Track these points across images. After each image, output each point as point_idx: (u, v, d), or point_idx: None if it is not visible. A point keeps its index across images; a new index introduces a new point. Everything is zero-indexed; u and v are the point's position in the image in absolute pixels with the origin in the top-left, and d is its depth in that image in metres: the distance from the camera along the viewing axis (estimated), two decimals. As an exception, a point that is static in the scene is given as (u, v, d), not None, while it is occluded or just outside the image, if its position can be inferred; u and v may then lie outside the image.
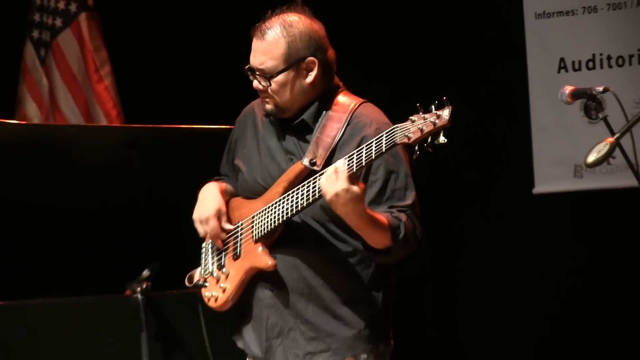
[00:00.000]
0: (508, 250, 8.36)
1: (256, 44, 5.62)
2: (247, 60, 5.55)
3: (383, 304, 5.67)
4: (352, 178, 5.12)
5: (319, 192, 5.29)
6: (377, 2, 8.51)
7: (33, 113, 9.27)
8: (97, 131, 8.72)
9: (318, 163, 5.45)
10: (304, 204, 5.39)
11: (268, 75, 5.56)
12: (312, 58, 5.56)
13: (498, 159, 8.32)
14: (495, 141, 8.28)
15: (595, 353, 8.09)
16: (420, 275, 6.27)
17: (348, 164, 5.15)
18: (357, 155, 5.15)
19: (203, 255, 5.90)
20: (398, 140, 5.07)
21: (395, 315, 5.68)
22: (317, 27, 5.65)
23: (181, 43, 8.98)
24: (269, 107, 5.63)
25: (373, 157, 5.14)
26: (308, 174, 5.46)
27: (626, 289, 7.70)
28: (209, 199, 5.78)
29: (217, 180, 5.94)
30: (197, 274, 5.91)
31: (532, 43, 8.36)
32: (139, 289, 7.14)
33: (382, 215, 5.33)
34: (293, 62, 5.55)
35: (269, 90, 5.58)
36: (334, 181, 5.10)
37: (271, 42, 5.58)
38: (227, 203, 5.83)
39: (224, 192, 5.80)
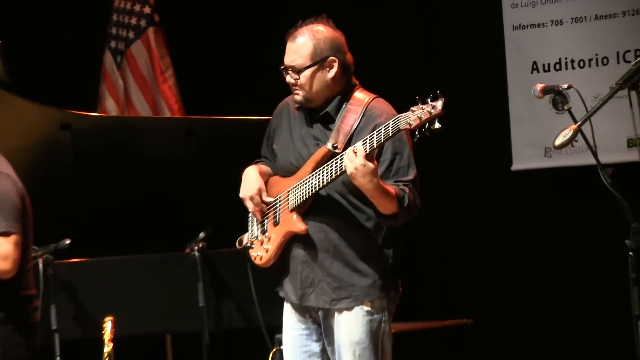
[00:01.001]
0: (491, 214, 8.37)
1: (289, 46, 5.71)
2: (282, 63, 5.61)
3: (393, 260, 5.74)
4: (368, 157, 5.24)
5: (341, 169, 5.41)
6: (377, 17, 8.47)
7: (111, 107, 9.29)
8: (162, 121, 8.79)
9: (339, 147, 5.54)
10: (329, 180, 5.49)
11: (297, 70, 5.68)
12: (333, 57, 5.64)
13: (484, 142, 8.32)
14: (481, 128, 8.27)
15: (560, 307, 8.08)
16: (419, 238, 6.30)
17: (364, 146, 5.29)
18: (369, 139, 5.26)
19: (249, 223, 5.97)
20: (402, 127, 5.19)
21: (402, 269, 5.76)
22: (338, 34, 5.74)
23: (228, 51, 8.96)
24: (298, 97, 5.72)
25: (382, 140, 5.26)
26: (331, 155, 5.54)
27: (585, 249, 7.71)
28: (252, 180, 5.86)
29: (256, 163, 6.00)
30: (246, 238, 5.97)
31: (510, 50, 8.35)
32: (196, 248, 7.22)
33: (390, 187, 5.45)
34: (318, 60, 5.64)
35: (299, 83, 5.66)
36: (354, 158, 5.22)
37: (300, 44, 5.67)
38: (266, 182, 5.91)
39: (262, 173, 5.88)
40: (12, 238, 5.22)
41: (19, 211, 5.30)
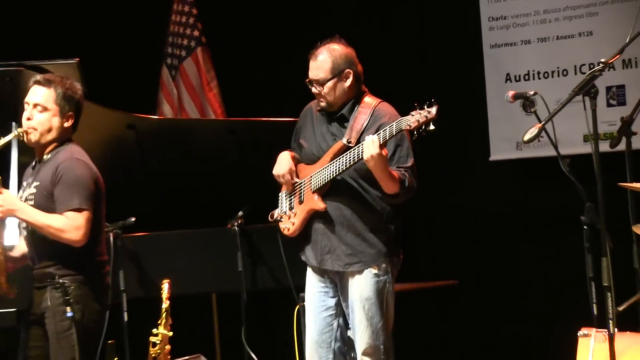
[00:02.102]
0: (473, 195, 8.35)
1: (312, 64, 5.79)
2: (307, 76, 5.66)
3: (395, 233, 5.81)
4: (381, 147, 5.36)
5: (354, 159, 5.52)
6: (376, 35, 8.46)
7: (167, 111, 9.30)
8: (208, 123, 8.78)
9: (352, 142, 5.65)
10: (345, 167, 5.60)
11: (321, 83, 5.72)
12: (349, 70, 5.74)
13: (467, 137, 8.33)
14: (466, 126, 8.28)
15: (529, 270, 8.09)
16: (415, 216, 6.33)
17: (380, 138, 5.38)
18: (383, 133, 5.37)
19: (279, 201, 6.02)
20: (403, 128, 5.33)
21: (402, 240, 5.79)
22: (350, 50, 5.84)
23: (260, 65, 8.98)
24: (323, 104, 5.82)
25: (388, 137, 5.36)
26: (346, 148, 5.64)
27: (548, 223, 7.70)
28: (284, 161, 5.91)
29: (288, 150, 6.03)
30: (276, 213, 6.03)
31: (488, 64, 8.34)
32: (235, 223, 7.26)
33: (395, 172, 5.52)
34: (336, 73, 5.73)
35: (323, 93, 5.76)
36: (371, 147, 5.33)
37: (321, 61, 5.75)
38: (295, 165, 5.95)
39: (293, 157, 5.92)
40: (85, 214, 5.23)
41: (91, 192, 5.31)
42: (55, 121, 5.39)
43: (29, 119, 5.37)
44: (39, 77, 5.47)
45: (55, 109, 5.38)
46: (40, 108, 5.37)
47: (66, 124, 5.42)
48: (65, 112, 5.41)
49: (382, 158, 5.42)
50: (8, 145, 5.65)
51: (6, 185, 5.76)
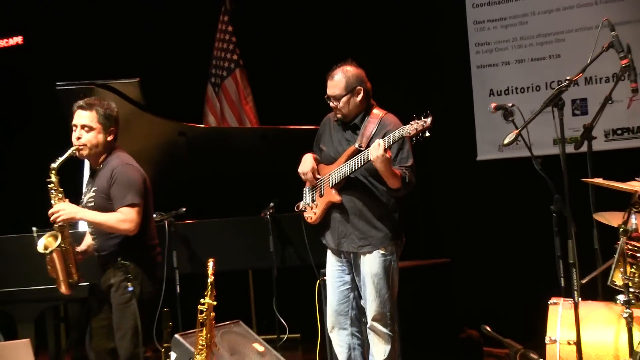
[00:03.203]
0: (463, 188, 8.35)
1: (329, 83, 5.81)
2: (325, 93, 5.68)
3: (399, 220, 5.83)
4: (386, 150, 5.39)
5: (364, 160, 5.55)
6: (374, 54, 8.42)
7: (212, 121, 9.32)
8: (244, 130, 8.82)
9: (363, 146, 5.68)
10: (357, 167, 5.64)
11: (338, 99, 5.74)
12: (359, 87, 5.77)
13: (459, 141, 8.31)
14: (457, 132, 8.26)
15: (510, 251, 8.08)
16: (415, 206, 6.34)
17: (385, 142, 5.41)
18: (389, 138, 5.42)
19: (304, 194, 6.04)
20: (404, 135, 5.38)
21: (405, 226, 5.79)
22: (360, 71, 5.86)
23: (287, 82, 8.96)
24: (339, 115, 5.86)
25: (391, 142, 5.40)
26: (357, 151, 5.66)
27: (524, 211, 7.68)
28: (308, 162, 5.92)
29: (311, 152, 6.04)
30: (301, 204, 6.04)
31: (475, 81, 8.34)
32: (268, 213, 7.27)
33: (397, 170, 5.55)
34: (349, 90, 5.75)
35: (339, 107, 5.78)
36: (377, 150, 5.36)
37: (337, 81, 5.77)
38: (316, 165, 5.96)
39: (315, 159, 5.94)
40: (136, 209, 5.31)
41: (141, 190, 5.38)
42: (101, 137, 5.45)
43: (78, 138, 5.44)
44: (81, 102, 5.51)
45: (99, 127, 5.44)
46: (87, 128, 5.43)
47: (109, 138, 5.48)
48: (107, 128, 5.46)
49: (386, 159, 5.45)
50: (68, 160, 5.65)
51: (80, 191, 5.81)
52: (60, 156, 5.40)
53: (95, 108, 5.43)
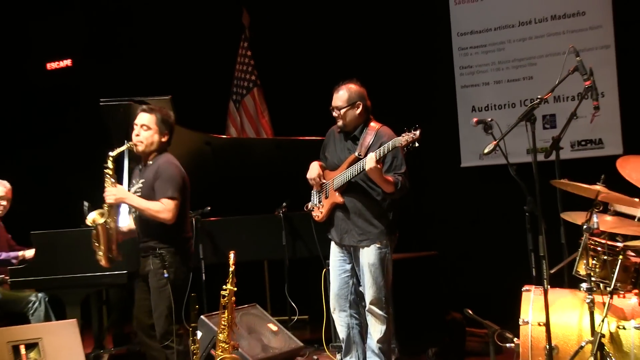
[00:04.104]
0: (449, 190, 8.36)
1: (335, 95, 5.83)
2: (330, 104, 5.70)
3: (392, 218, 5.82)
4: (378, 162, 5.40)
5: (360, 169, 5.58)
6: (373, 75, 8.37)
7: (233, 133, 9.32)
8: (261, 141, 8.81)
9: (361, 154, 5.68)
10: (356, 173, 5.65)
11: (340, 110, 5.77)
12: (359, 102, 5.79)
13: (446, 150, 8.32)
14: (445, 142, 8.27)
15: (490, 245, 8.12)
16: (407, 206, 6.32)
17: (377, 155, 5.41)
18: (379, 152, 5.42)
19: (312, 196, 6.03)
20: (396, 145, 5.35)
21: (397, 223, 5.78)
22: (362, 89, 5.87)
23: (298, 98, 8.97)
24: (340, 124, 5.86)
25: (385, 152, 5.41)
26: (356, 159, 5.67)
27: (501, 211, 7.66)
28: (314, 169, 5.92)
29: (317, 160, 6.03)
30: (310, 205, 6.02)
31: (459, 99, 8.36)
32: (281, 211, 7.25)
33: (390, 177, 5.53)
34: (351, 103, 5.78)
35: (340, 116, 5.80)
36: (370, 162, 5.39)
37: (341, 94, 5.80)
38: (322, 172, 5.95)
39: (320, 166, 5.93)
40: (175, 201, 5.33)
41: (180, 186, 5.40)
42: (156, 137, 5.50)
43: (137, 135, 5.50)
44: (145, 106, 5.61)
45: (155, 129, 5.49)
46: (145, 128, 5.49)
47: (163, 140, 5.53)
48: (162, 131, 5.51)
49: (377, 170, 5.49)
50: (122, 154, 5.70)
51: (120, 182, 5.83)
52: (118, 147, 5.47)
53: (155, 113, 5.51)
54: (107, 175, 5.42)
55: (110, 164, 5.42)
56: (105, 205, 5.41)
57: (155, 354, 5.44)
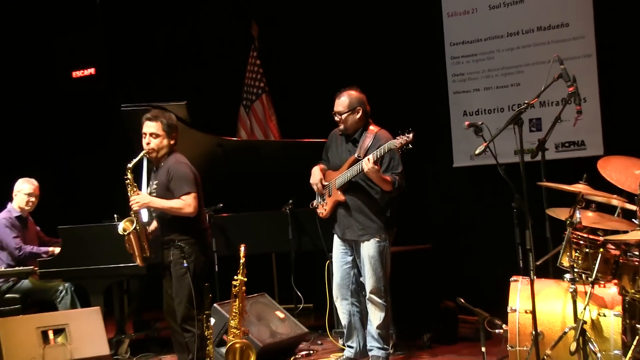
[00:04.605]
0: (443, 187, 8.36)
1: (337, 101, 5.88)
2: (332, 110, 5.66)
3: (390, 215, 5.87)
4: (375, 163, 5.47)
5: (359, 170, 5.64)
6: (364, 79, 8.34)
7: (243, 135, 9.30)
8: (269, 143, 8.78)
9: (361, 156, 5.73)
10: (356, 173, 5.70)
11: (341, 114, 5.80)
12: (359, 107, 5.84)
13: (439, 151, 8.30)
14: (438, 144, 8.25)
15: (480, 237, 8.11)
16: (404, 202, 6.32)
17: (373, 157, 5.45)
18: (376, 154, 5.49)
19: (316, 195, 6.05)
20: (392, 147, 5.40)
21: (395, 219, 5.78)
22: (362, 95, 5.92)
23: (303, 103, 8.97)
24: (341, 128, 5.92)
25: (382, 154, 5.45)
26: (356, 161, 5.73)
27: (491, 207, 7.64)
28: (316, 174, 6.01)
29: (319, 163, 6.06)
30: (315, 202, 6.08)
31: (452, 104, 8.35)
32: (287, 208, 7.21)
33: (388, 176, 5.55)
34: (351, 108, 5.83)
35: (342, 120, 5.83)
36: (368, 163, 5.45)
37: (342, 100, 5.84)
38: (324, 172, 5.97)
39: (322, 169, 5.98)
40: (192, 195, 5.36)
41: (193, 180, 5.43)
42: (165, 142, 5.51)
43: (148, 143, 5.51)
44: (148, 115, 5.59)
45: (163, 134, 5.51)
46: (154, 135, 5.50)
47: (171, 142, 5.55)
48: (169, 134, 5.53)
49: (375, 170, 5.53)
50: (139, 162, 5.72)
51: (140, 188, 5.86)
52: (134, 158, 5.49)
53: (160, 119, 5.51)
54: (128, 185, 5.49)
55: (129, 175, 5.47)
56: (132, 212, 5.47)
57: (180, 338, 5.48)
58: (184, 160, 5.52)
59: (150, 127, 5.50)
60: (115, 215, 6.38)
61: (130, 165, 5.45)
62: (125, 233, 5.46)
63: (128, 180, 5.47)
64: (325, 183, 5.98)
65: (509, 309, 5.15)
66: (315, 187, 6.03)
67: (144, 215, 5.99)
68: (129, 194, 5.47)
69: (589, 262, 4.89)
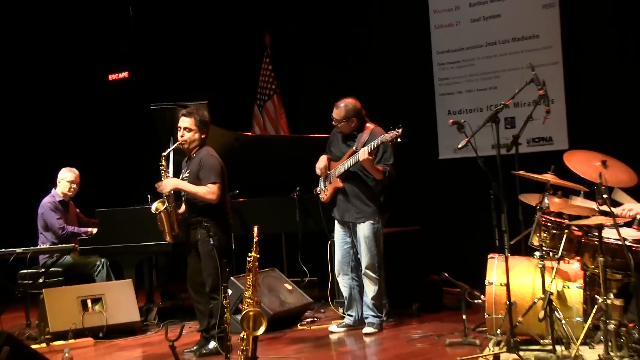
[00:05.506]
0: (429, 176, 8.32)
1: (335, 110, 5.91)
2: (332, 117, 5.62)
3: (384, 200, 5.88)
4: (369, 154, 5.51)
5: (356, 160, 5.68)
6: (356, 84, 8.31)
7: (257, 131, 9.26)
8: (280, 138, 8.75)
9: (358, 149, 5.72)
10: (353, 163, 5.74)
11: (339, 121, 5.85)
12: (354, 117, 5.89)
13: (426, 145, 8.27)
14: (425, 139, 8.22)
15: (462, 221, 8.07)
16: (396, 189, 6.31)
17: (368, 149, 5.48)
18: (370, 146, 5.54)
19: (320, 182, 6.06)
20: (384, 141, 5.41)
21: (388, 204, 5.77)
22: (357, 103, 5.94)
23: (310, 104, 8.95)
24: (340, 128, 5.90)
25: (376, 146, 5.47)
26: (354, 152, 5.75)
27: (472, 194, 7.60)
28: (323, 160, 6.00)
29: (325, 153, 6.04)
30: (317, 189, 6.06)
31: (438, 104, 8.32)
32: (295, 194, 7.19)
33: (380, 167, 5.59)
34: (348, 117, 5.83)
35: (339, 126, 5.87)
36: (363, 154, 5.43)
37: (340, 110, 5.87)
38: (328, 163, 5.98)
39: (327, 158, 5.96)
40: (217, 185, 5.36)
41: (220, 172, 5.42)
42: (197, 136, 5.49)
43: (182, 136, 5.50)
44: (184, 110, 5.58)
45: (195, 129, 5.49)
46: (188, 130, 5.49)
47: (202, 136, 5.53)
48: (201, 129, 5.51)
49: (369, 160, 5.59)
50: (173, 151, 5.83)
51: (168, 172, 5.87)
52: (167, 149, 5.63)
53: (194, 116, 5.49)
54: (162, 171, 5.50)
55: (163, 161, 5.49)
56: (164, 194, 5.48)
57: (201, 307, 5.50)
58: (214, 154, 5.52)
59: (185, 122, 5.48)
60: (149, 196, 6.39)
61: (164, 154, 5.51)
62: (157, 212, 5.47)
63: (162, 166, 5.49)
64: (329, 171, 5.99)
65: (486, 282, 5.17)
66: (318, 171, 6.03)
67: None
68: (162, 178, 5.49)
69: (556, 241, 4.91)
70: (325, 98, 6.35)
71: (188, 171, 5.50)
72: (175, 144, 5.54)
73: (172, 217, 5.49)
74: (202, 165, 5.40)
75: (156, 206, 5.48)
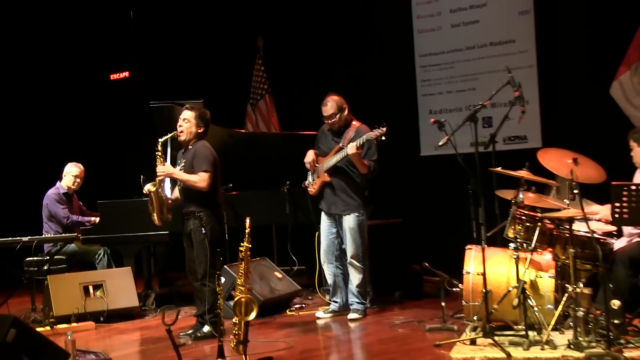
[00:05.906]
0: (411, 172, 8.29)
1: (323, 108, 5.90)
2: (321, 115, 5.61)
3: (368, 193, 5.87)
4: (358, 149, 5.41)
5: (344, 154, 5.65)
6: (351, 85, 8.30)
7: (250, 128, 9.24)
8: (271, 135, 8.71)
9: (345, 145, 5.73)
10: (340, 159, 5.73)
11: (334, 116, 5.82)
12: (339, 113, 5.86)
13: (409, 142, 8.26)
14: (408, 136, 8.21)
15: (442, 214, 8.05)
16: (380, 184, 6.30)
17: (357, 143, 5.46)
18: (359, 141, 5.49)
19: (308, 176, 6.03)
20: (370, 138, 5.40)
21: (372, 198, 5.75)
22: (341, 98, 5.92)
23: (299, 103, 8.92)
24: (330, 124, 5.86)
25: (361, 143, 5.43)
26: (341, 149, 5.73)
27: (451, 188, 7.60)
28: (310, 154, 5.99)
29: (312, 149, 6.00)
30: (306, 182, 6.03)
31: (420, 105, 8.31)
32: (285, 187, 7.15)
33: (365, 161, 5.55)
34: (339, 110, 5.74)
35: (330, 122, 5.82)
36: (352, 149, 5.40)
37: (328, 107, 5.87)
38: (316, 157, 5.94)
39: (315, 153, 5.93)
40: (208, 174, 5.35)
41: (212, 163, 5.41)
42: (194, 129, 5.50)
43: (180, 126, 5.50)
44: (188, 105, 5.63)
45: (193, 122, 5.50)
46: (186, 121, 5.50)
47: (199, 130, 5.52)
48: (199, 124, 5.51)
49: (357, 154, 5.56)
50: (166, 142, 5.80)
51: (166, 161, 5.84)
52: (165, 135, 5.52)
53: (195, 110, 5.52)
54: (158, 157, 5.45)
55: (159, 147, 5.43)
56: (157, 178, 5.46)
57: (199, 293, 5.48)
58: (209, 146, 5.52)
59: (185, 114, 5.51)
60: (141, 177, 6.37)
61: (160, 140, 5.43)
62: (148, 193, 5.46)
63: (158, 152, 5.43)
64: (316, 165, 5.97)
65: (464, 272, 5.17)
66: (307, 165, 6.01)
67: (166, 188, 5.98)
68: (157, 163, 5.45)
69: (529, 234, 4.92)
70: (314, 98, 6.33)
71: (184, 161, 5.49)
72: (172, 133, 5.53)
73: (162, 200, 5.49)
74: (196, 155, 5.40)
75: (148, 187, 5.47)
